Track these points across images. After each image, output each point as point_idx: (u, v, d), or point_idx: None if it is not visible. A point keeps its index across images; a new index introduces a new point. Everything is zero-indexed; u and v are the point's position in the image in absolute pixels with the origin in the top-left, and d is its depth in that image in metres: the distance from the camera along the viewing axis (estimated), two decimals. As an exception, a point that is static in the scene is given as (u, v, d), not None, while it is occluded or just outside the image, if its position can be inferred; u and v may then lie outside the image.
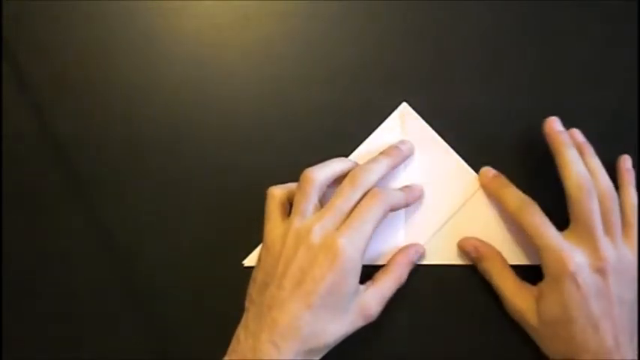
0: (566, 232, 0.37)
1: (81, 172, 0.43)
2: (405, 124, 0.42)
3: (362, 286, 0.37)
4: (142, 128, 0.43)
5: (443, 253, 0.41)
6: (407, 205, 0.40)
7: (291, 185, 0.39)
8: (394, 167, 0.40)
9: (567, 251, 0.35)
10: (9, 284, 0.42)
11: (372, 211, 0.36)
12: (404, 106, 0.43)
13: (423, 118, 0.42)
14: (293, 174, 0.39)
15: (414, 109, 0.42)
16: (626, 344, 0.35)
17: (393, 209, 0.37)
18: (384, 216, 0.36)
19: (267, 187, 0.39)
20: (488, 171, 0.41)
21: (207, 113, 0.44)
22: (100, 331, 0.42)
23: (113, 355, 0.42)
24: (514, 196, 0.39)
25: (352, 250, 0.34)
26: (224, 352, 0.36)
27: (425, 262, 0.41)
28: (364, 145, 0.42)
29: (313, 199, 0.37)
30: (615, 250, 0.36)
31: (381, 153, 0.40)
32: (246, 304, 0.37)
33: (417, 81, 0.43)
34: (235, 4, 0.45)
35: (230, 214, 0.42)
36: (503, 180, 0.40)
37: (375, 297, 0.37)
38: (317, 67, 0.44)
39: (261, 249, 0.38)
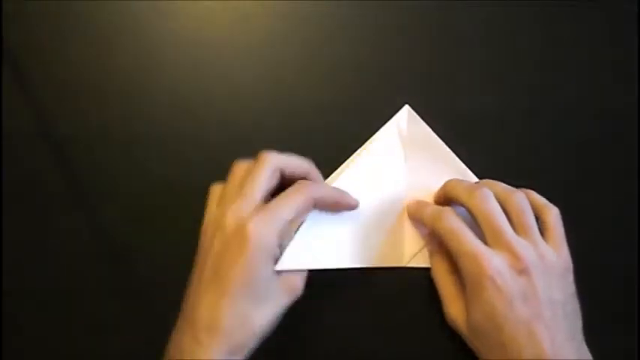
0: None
1: (81, 172, 0.43)
2: (407, 127, 0.42)
3: None
4: (141, 128, 0.43)
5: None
6: (335, 205, 0.38)
7: None
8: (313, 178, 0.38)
9: (485, 254, 0.34)
10: (9, 283, 0.42)
11: (292, 199, 0.35)
12: (406, 109, 0.43)
13: (423, 118, 0.42)
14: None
15: (414, 109, 0.42)
16: (565, 347, 0.33)
17: (319, 203, 0.36)
18: (306, 206, 0.35)
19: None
20: (412, 201, 0.41)
21: (207, 113, 0.44)
22: (100, 331, 0.42)
23: (113, 355, 0.42)
24: (429, 208, 0.38)
25: (262, 235, 0.33)
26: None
27: (426, 265, 0.41)
28: (366, 146, 0.42)
29: (235, 183, 0.36)
30: (534, 250, 0.35)
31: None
32: None
33: (417, 81, 0.43)
34: (235, 4, 0.45)
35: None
36: (423, 202, 0.40)
37: (294, 271, 0.36)
38: (317, 67, 0.44)
39: None
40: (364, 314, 0.41)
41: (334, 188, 0.39)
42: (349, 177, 0.41)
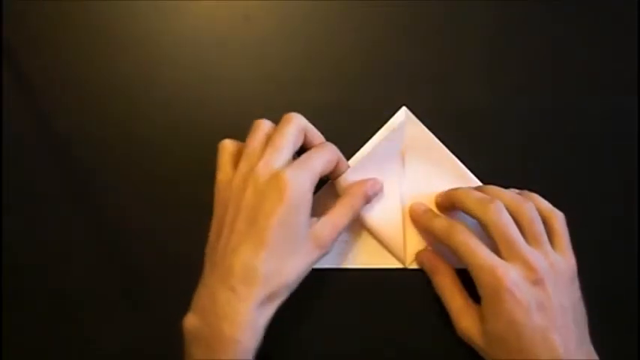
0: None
1: (81, 172, 0.43)
2: (404, 128, 0.42)
3: (314, 218, 0.36)
4: (141, 128, 0.43)
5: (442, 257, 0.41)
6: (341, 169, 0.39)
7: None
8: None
9: (501, 267, 0.35)
10: (9, 284, 0.42)
11: (320, 152, 0.36)
12: (404, 111, 0.43)
13: (423, 118, 0.42)
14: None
15: (414, 109, 0.42)
16: (577, 352, 0.34)
17: (340, 163, 0.38)
18: (333, 162, 0.37)
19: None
20: (418, 206, 0.41)
21: (206, 113, 0.44)
22: (99, 331, 0.42)
23: (113, 354, 0.42)
24: (442, 222, 0.38)
25: (299, 183, 0.34)
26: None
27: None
28: (364, 148, 0.42)
29: (260, 138, 0.37)
30: (545, 259, 0.36)
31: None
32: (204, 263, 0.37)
33: (417, 81, 0.43)
34: (235, 4, 0.45)
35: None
36: (432, 213, 0.40)
37: (326, 225, 0.36)
38: (317, 67, 0.44)
39: (214, 202, 0.38)
40: (365, 315, 0.41)
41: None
42: (348, 179, 0.41)
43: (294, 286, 0.35)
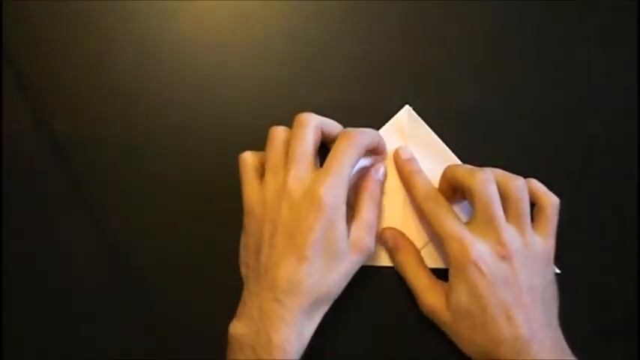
0: (467, 223, 0.37)
1: (81, 172, 0.43)
2: (407, 127, 0.42)
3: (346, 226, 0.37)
4: (141, 128, 0.43)
5: (441, 257, 0.41)
6: (379, 146, 0.39)
7: (263, 153, 0.39)
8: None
9: (468, 239, 0.35)
10: (9, 284, 0.42)
11: (347, 153, 0.36)
12: (407, 109, 0.43)
13: (423, 118, 0.42)
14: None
15: (414, 109, 0.42)
16: (542, 333, 0.35)
17: (368, 149, 0.38)
18: (359, 156, 0.36)
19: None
20: (403, 152, 0.41)
21: (207, 113, 0.44)
22: (99, 331, 0.42)
23: (113, 354, 0.42)
24: (424, 184, 0.39)
25: (333, 197, 0.34)
26: (224, 352, 0.36)
27: (426, 264, 0.41)
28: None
29: (279, 148, 0.37)
30: (521, 238, 0.36)
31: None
32: (243, 271, 0.38)
33: (417, 81, 0.43)
34: (235, 4, 0.45)
35: (231, 214, 0.42)
36: (416, 165, 0.40)
37: (361, 230, 0.37)
38: (317, 67, 0.44)
39: (244, 216, 0.38)
40: (363, 314, 0.41)
41: (369, 131, 0.39)
42: (350, 177, 0.41)
43: (338, 293, 0.36)
